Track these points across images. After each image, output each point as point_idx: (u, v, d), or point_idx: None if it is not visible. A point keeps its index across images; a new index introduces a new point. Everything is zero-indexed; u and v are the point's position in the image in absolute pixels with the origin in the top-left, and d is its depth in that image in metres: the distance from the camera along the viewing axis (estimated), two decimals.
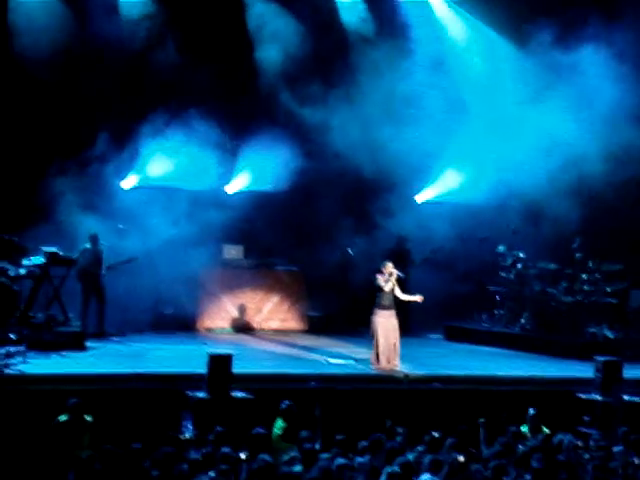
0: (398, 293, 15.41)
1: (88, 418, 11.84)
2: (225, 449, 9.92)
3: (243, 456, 9.87)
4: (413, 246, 19.35)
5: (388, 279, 15.28)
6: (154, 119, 18.50)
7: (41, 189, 17.90)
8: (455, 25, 20.40)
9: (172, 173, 19.30)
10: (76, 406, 11.80)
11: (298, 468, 9.41)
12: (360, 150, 18.82)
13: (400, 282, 15.57)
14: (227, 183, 19.79)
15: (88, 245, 17.18)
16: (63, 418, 11.78)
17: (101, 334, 17.04)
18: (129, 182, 19.15)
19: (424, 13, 20.32)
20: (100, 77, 18.34)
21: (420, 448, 10.59)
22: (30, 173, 18.04)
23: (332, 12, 19.96)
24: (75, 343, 15.81)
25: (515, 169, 18.89)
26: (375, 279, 15.40)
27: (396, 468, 9.25)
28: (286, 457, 10.02)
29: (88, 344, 16.07)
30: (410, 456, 9.94)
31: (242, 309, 19.13)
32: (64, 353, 15.38)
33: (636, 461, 10.72)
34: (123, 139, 18.50)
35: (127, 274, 17.63)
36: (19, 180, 17.97)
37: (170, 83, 18.64)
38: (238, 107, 19.13)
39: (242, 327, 18.96)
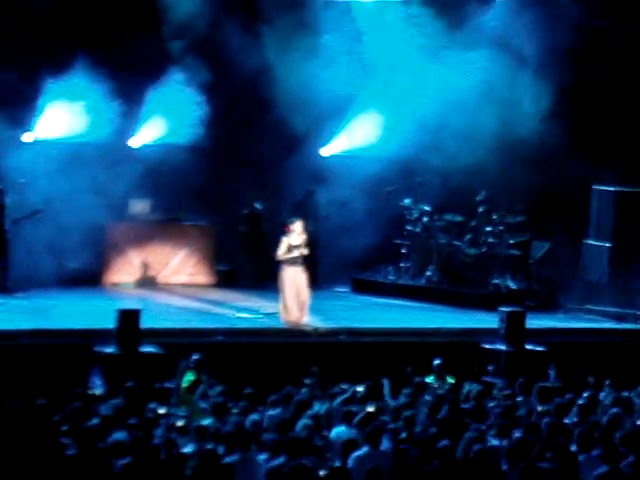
0: (305, 252, 15.42)
1: None
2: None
3: (162, 410, 9.86)
4: (319, 200, 19.37)
5: (294, 235, 15.32)
6: (54, 68, 18.10)
7: None
8: None
9: (76, 125, 18.92)
10: None
11: (208, 421, 9.44)
12: (273, 98, 18.83)
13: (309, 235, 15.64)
14: (133, 135, 19.51)
15: None
16: None
17: (4, 290, 16.75)
18: (30, 135, 18.74)
19: None
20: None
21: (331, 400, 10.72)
22: None
23: None
24: None
25: (422, 123, 19.04)
26: (283, 234, 15.43)
27: (307, 421, 9.35)
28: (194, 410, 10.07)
29: None
30: (321, 408, 10.06)
31: (149, 263, 18.98)
32: None
33: (538, 408, 11.00)
34: (24, 89, 18.05)
35: (31, 229, 17.33)
36: None
37: (67, 27, 18.15)
38: (144, 52, 18.73)
39: (149, 281, 18.82)
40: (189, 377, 12.08)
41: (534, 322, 15.60)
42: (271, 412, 9.89)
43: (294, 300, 15.35)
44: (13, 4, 17.82)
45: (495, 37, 18.92)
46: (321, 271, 18.56)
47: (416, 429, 9.70)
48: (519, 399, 11.50)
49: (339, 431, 9.54)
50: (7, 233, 16.94)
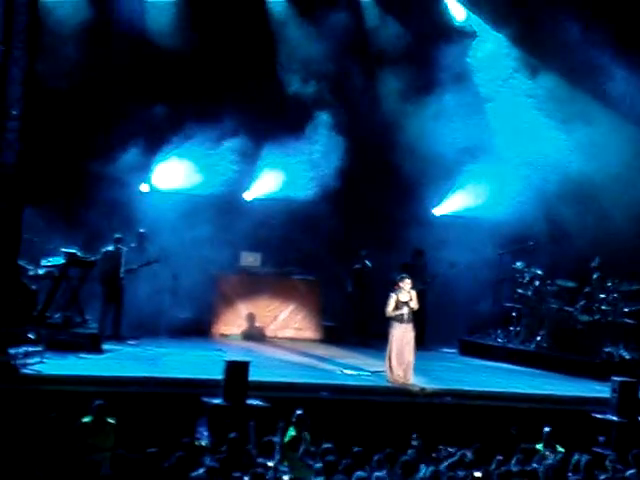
0: (414, 305, 15.35)
1: (111, 420, 11.83)
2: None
3: (270, 463, 9.86)
4: (429, 260, 19.31)
5: (403, 292, 15.26)
6: (174, 121, 18.53)
7: (67, 190, 17.96)
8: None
9: (192, 177, 19.30)
10: (100, 408, 11.78)
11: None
12: (378, 157, 18.99)
13: (418, 295, 15.57)
14: (247, 189, 19.80)
15: (110, 247, 17.22)
16: (87, 419, 11.76)
17: (117, 337, 17.05)
18: (147, 185, 19.17)
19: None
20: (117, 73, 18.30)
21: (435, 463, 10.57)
22: (58, 174, 18.05)
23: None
24: (92, 345, 15.82)
25: (535, 187, 18.95)
26: (391, 293, 15.38)
27: None
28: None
29: (104, 347, 16.09)
30: (427, 471, 9.93)
31: (257, 316, 19.12)
32: (81, 355, 15.41)
33: None
34: (144, 142, 18.50)
35: (145, 278, 17.66)
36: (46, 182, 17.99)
37: (185, 84, 18.59)
38: (260, 109, 19.08)
39: (257, 334, 18.94)
40: (291, 432, 12.05)
41: None
42: (377, 473, 9.79)
43: (399, 359, 15.22)
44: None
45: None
46: (429, 331, 18.44)
47: None
48: (630, 472, 11.16)
49: None
50: (122, 280, 17.27)
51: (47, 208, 17.18)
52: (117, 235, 17.30)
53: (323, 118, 19.04)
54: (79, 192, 18.04)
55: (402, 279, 15.46)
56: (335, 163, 18.94)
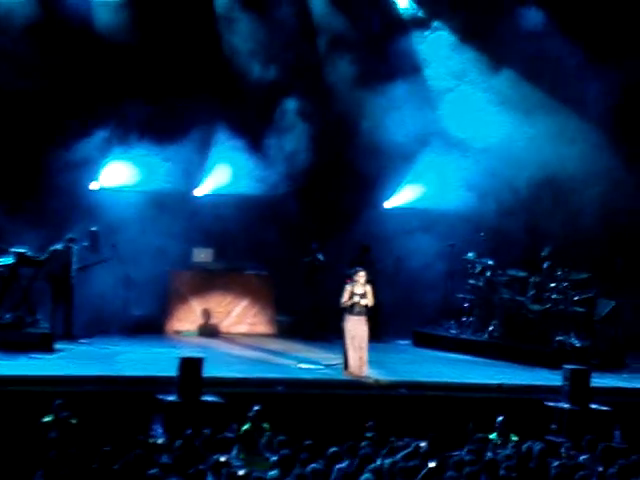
0: (369, 300, 15.41)
1: (73, 420, 11.75)
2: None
3: (222, 458, 9.86)
4: (377, 253, 19.35)
5: (358, 285, 15.31)
6: (120, 119, 18.42)
7: (18, 190, 17.81)
8: None
9: (141, 175, 19.20)
10: (60, 407, 11.69)
11: (273, 473, 9.40)
12: (328, 155, 19.02)
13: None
14: (197, 185, 19.73)
15: (59, 246, 17.07)
16: (48, 419, 11.67)
17: (69, 336, 16.93)
18: (98, 184, 19.03)
19: None
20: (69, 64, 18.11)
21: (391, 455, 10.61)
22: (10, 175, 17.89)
23: None
24: (43, 344, 15.72)
25: (484, 177, 19.10)
26: (345, 285, 15.42)
27: (370, 475, 9.26)
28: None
29: (56, 346, 15.97)
30: (383, 462, 9.97)
31: (211, 312, 19.08)
32: (32, 355, 15.29)
33: (601, 469, 10.77)
34: (94, 139, 18.37)
35: (96, 276, 17.57)
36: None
37: (135, 80, 18.46)
38: (207, 104, 19.00)
39: (211, 330, 18.90)
40: (246, 427, 12.05)
41: (599, 381, 15.35)
42: (339, 465, 9.80)
43: (355, 352, 15.29)
44: None
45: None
46: (382, 324, 18.50)
47: None
48: (583, 457, 11.29)
49: None
50: (73, 279, 17.14)
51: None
52: (70, 235, 17.16)
53: (288, 107, 18.98)
54: (30, 191, 17.88)
55: (356, 272, 15.50)
56: (291, 155, 18.96)
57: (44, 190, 17.95)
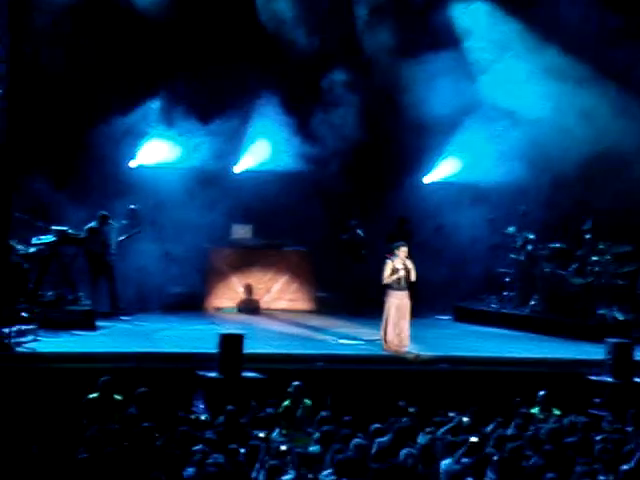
0: (412, 275, 15.33)
1: (118, 397, 11.81)
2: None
3: (262, 434, 9.87)
4: (416, 227, 19.23)
5: (399, 260, 15.24)
6: (161, 96, 18.41)
7: (56, 168, 17.88)
8: None
9: (182, 151, 19.20)
10: (106, 384, 11.75)
11: (314, 448, 9.41)
12: (371, 129, 18.87)
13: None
14: (236, 162, 19.71)
15: (94, 224, 17.15)
16: (93, 396, 11.73)
17: (111, 313, 17.03)
18: (138, 161, 19.07)
19: None
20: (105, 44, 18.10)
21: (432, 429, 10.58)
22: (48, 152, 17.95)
23: None
24: (85, 322, 15.83)
25: (531, 148, 18.86)
26: (386, 260, 15.36)
27: (412, 449, 9.24)
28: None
29: (98, 323, 16.07)
30: (423, 438, 9.95)
31: (250, 289, 19.11)
32: (74, 332, 15.40)
33: None
34: (133, 117, 18.38)
35: (136, 253, 17.63)
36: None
37: (174, 60, 18.41)
38: (249, 82, 18.92)
39: (250, 307, 18.94)
40: (286, 403, 12.06)
41: None
42: (380, 439, 9.79)
43: (394, 327, 15.23)
44: None
45: None
46: (423, 299, 18.43)
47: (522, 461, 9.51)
48: (628, 429, 11.20)
49: (445, 463, 9.41)
50: (112, 256, 17.24)
51: (38, 186, 17.15)
52: (102, 212, 17.23)
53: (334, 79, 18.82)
54: (73, 168, 17.94)
55: (398, 247, 15.42)
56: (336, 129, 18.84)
57: (86, 167, 17.99)
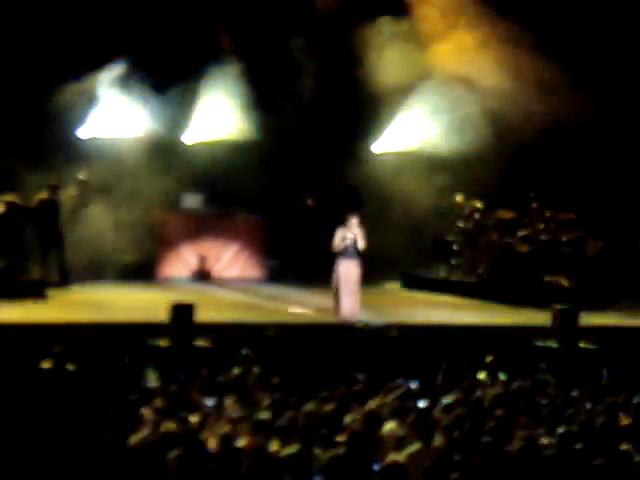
0: (361, 243, 15.46)
1: (71, 367, 11.82)
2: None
3: (210, 403, 9.96)
4: (366, 195, 19.35)
5: (349, 228, 15.36)
6: (111, 65, 18.30)
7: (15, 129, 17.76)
8: None
9: (132, 121, 19.12)
10: (59, 354, 11.75)
11: (263, 415, 9.52)
12: (324, 98, 18.93)
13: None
14: (190, 131, 19.68)
15: (44, 195, 17.07)
16: (46, 365, 11.73)
17: (62, 283, 17.00)
18: (91, 129, 18.98)
19: None
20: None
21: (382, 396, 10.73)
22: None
23: None
24: (36, 292, 15.78)
25: (470, 121, 19.03)
26: (336, 231, 15.46)
27: (360, 416, 9.39)
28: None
29: (49, 293, 16.05)
30: (373, 404, 10.10)
31: (202, 258, 19.15)
32: (25, 301, 15.37)
33: (589, 406, 10.92)
34: (82, 87, 18.27)
35: (87, 223, 17.58)
36: None
37: (133, 25, 18.30)
38: (191, 55, 18.86)
39: (202, 275, 18.99)
40: (236, 371, 12.14)
41: (587, 320, 15.50)
42: (326, 407, 9.93)
43: (347, 295, 15.37)
44: None
45: None
46: (372, 267, 18.58)
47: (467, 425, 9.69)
48: (573, 393, 11.44)
49: (391, 427, 9.55)
50: (61, 227, 17.18)
51: None
52: (52, 182, 17.16)
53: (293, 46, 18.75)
54: (22, 135, 17.82)
55: (349, 216, 15.52)
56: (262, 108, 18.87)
57: (41, 133, 17.87)
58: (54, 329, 13.78)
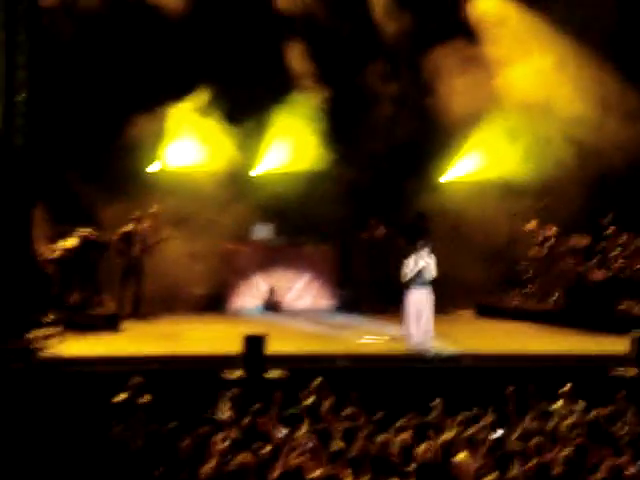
0: (432, 271, 15.35)
1: (145, 398, 11.88)
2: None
3: (282, 433, 9.93)
4: (435, 224, 19.26)
5: (421, 257, 15.27)
6: (177, 101, 18.51)
7: (80, 170, 18.05)
8: None
9: (201, 154, 19.31)
10: (136, 386, 11.82)
11: (337, 445, 9.46)
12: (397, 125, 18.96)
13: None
14: (255, 164, 19.81)
15: (128, 227, 17.30)
16: (121, 397, 11.81)
17: (135, 315, 17.16)
18: (156, 165, 19.21)
19: None
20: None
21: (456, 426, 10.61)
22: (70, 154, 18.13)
23: None
24: (110, 324, 15.94)
25: (542, 146, 18.85)
26: (406, 260, 15.39)
27: (436, 446, 9.29)
28: None
29: (122, 325, 16.19)
30: (448, 434, 9.98)
31: (273, 288, 19.19)
32: (99, 335, 15.52)
33: None
34: (156, 119, 18.51)
35: (159, 256, 17.74)
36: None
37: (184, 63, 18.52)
38: (265, 85, 19.01)
39: (274, 306, 19.02)
40: (310, 400, 12.09)
41: None
42: (400, 437, 9.85)
43: (417, 324, 15.26)
44: None
45: None
46: (445, 295, 18.45)
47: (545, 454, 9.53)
48: None
49: (463, 457, 9.44)
50: (140, 259, 17.37)
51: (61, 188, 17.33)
52: (136, 215, 17.39)
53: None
54: (90, 171, 18.09)
55: (420, 244, 15.43)
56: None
57: (115, 166, 18.15)
58: (128, 362, 13.89)
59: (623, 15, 18.74)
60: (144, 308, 17.46)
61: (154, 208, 17.89)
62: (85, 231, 16.79)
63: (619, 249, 17.91)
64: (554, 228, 18.48)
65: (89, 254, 16.85)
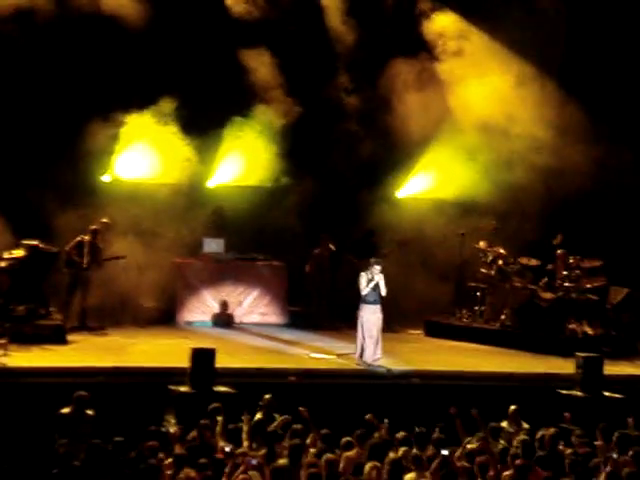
0: (382, 290, 15.39)
1: (90, 412, 11.75)
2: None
3: (227, 449, 9.88)
4: (384, 240, 19.30)
5: (372, 274, 15.30)
6: (133, 109, 18.39)
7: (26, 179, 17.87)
8: None
9: (155, 165, 19.20)
10: (80, 399, 11.67)
11: (283, 461, 9.43)
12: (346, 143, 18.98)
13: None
14: (209, 176, 19.74)
15: (87, 237, 17.15)
16: (66, 410, 11.66)
17: (82, 327, 16.99)
18: (109, 175, 19.07)
19: None
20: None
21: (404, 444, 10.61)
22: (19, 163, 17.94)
23: None
24: (56, 336, 15.77)
25: (500, 166, 18.99)
26: (360, 275, 15.41)
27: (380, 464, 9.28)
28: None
29: (69, 337, 16.02)
30: (395, 452, 9.98)
31: (223, 303, 19.09)
32: (45, 346, 15.34)
33: (615, 456, 10.76)
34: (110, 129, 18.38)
35: (107, 268, 17.59)
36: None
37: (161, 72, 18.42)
38: (226, 96, 18.94)
39: (223, 321, 18.92)
40: (258, 416, 12.04)
41: (612, 369, 15.32)
42: (347, 454, 9.83)
43: (369, 341, 15.29)
44: None
45: None
46: (394, 313, 18.49)
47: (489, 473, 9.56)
48: (598, 443, 11.28)
49: (411, 477, 9.45)
50: (87, 271, 17.21)
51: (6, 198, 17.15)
52: (93, 226, 17.24)
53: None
54: (39, 180, 17.92)
55: (372, 263, 15.46)
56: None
57: (65, 178, 17.99)
58: (74, 374, 13.75)
59: (572, 43, 18.95)
60: (91, 320, 17.27)
61: (105, 219, 17.71)
62: (33, 241, 16.59)
63: (567, 270, 18.03)
64: (501, 249, 18.57)
65: (37, 265, 16.65)
